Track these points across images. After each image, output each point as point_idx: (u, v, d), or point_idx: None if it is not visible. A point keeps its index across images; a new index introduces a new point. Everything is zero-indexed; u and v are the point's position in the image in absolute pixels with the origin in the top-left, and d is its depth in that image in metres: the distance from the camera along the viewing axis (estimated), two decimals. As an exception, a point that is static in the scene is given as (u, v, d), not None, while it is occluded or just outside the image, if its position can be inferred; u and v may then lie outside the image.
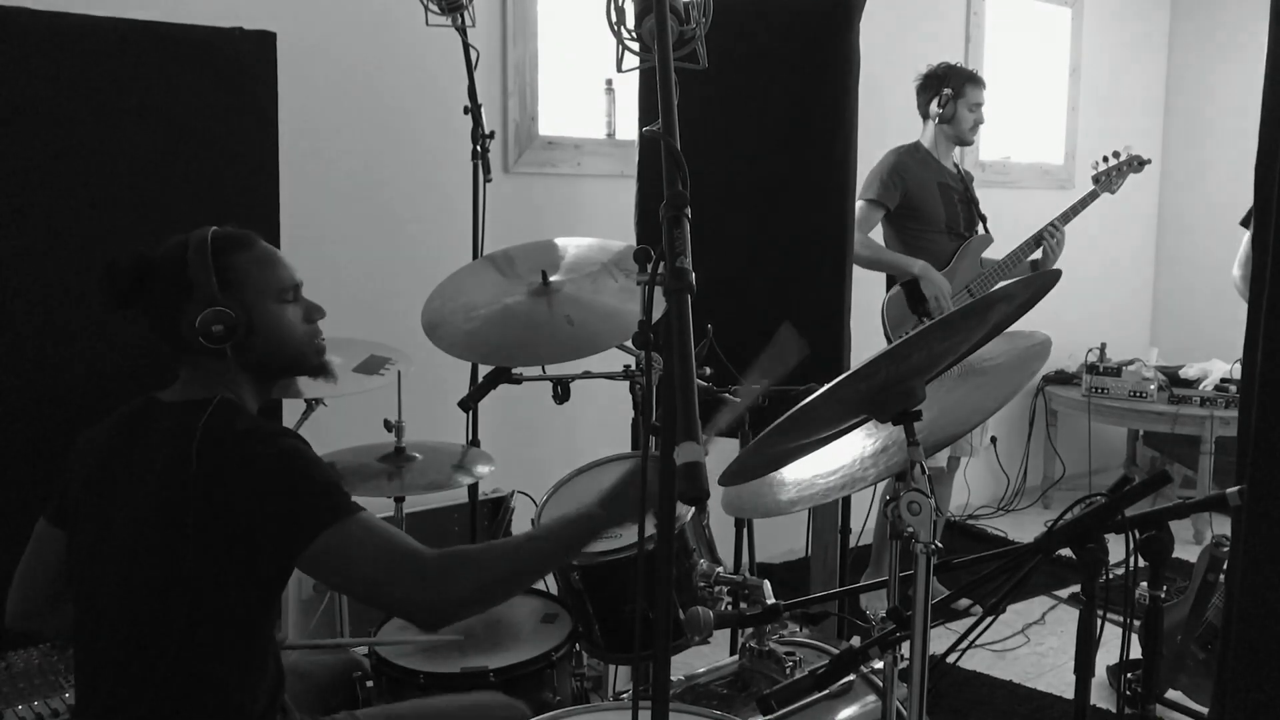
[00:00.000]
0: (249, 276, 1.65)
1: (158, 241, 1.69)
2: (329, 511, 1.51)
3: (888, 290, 3.83)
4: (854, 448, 1.67)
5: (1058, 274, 1.42)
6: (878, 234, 3.85)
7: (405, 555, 1.52)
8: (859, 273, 3.26)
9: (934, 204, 3.83)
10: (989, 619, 1.55)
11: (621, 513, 1.61)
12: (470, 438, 2.82)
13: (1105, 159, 4.05)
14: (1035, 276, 1.43)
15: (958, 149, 4.03)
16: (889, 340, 3.72)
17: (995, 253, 3.92)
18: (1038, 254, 3.90)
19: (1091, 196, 3.98)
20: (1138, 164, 4.03)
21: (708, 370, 2.50)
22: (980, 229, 3.94)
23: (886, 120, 3.94)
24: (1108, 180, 4.03)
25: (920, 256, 3.76)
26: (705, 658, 2.14)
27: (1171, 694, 3.05)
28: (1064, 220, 3.91)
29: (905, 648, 1.42)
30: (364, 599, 1.55)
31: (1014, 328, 1.55)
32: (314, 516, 1.50)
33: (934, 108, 3.87)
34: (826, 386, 1.33)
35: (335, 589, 1.52)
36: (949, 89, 3.84)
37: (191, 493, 1.51)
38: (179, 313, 1.60)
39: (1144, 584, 1.62)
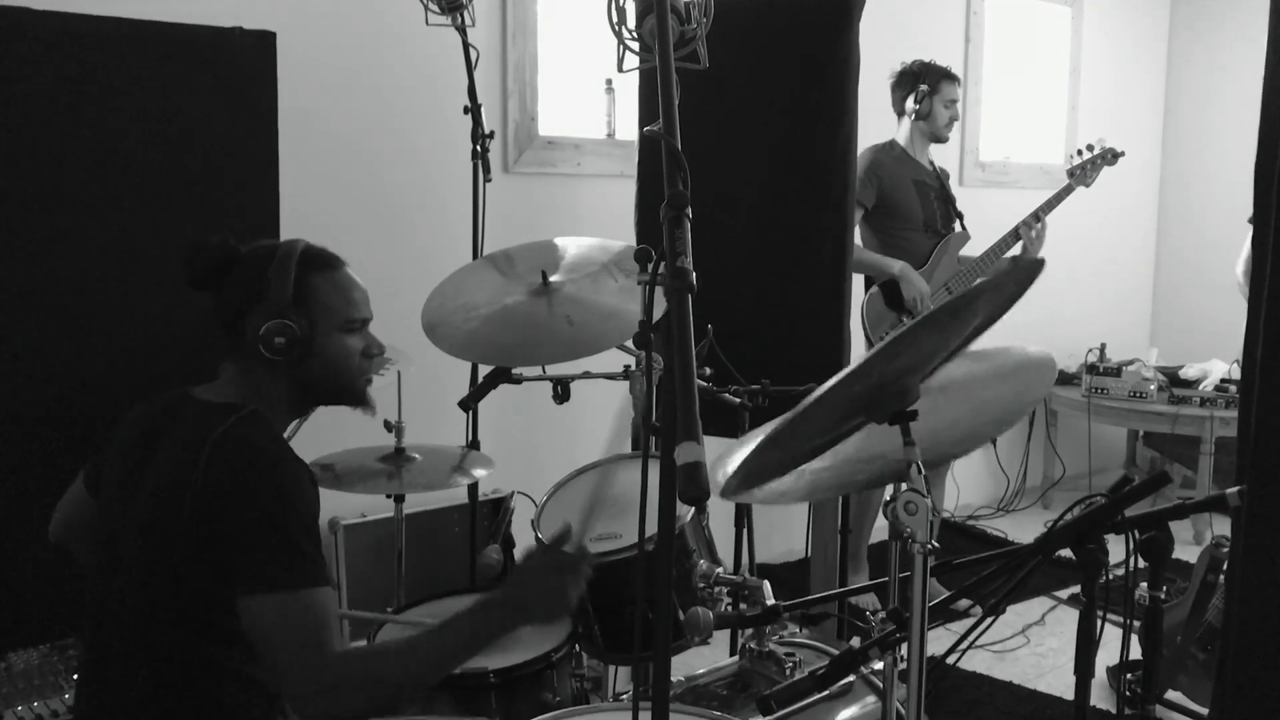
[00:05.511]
0: (324, 298, 1.66)
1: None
2: (283, 574, 1.48)
3: (866, 290, 3.81)
4: (845, 449, 1.65)
5: (1041, 263, 1.39)
6: (855, 234, 3.83)
7: (316, 653, 1.47)
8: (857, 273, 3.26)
9: (910, 202, 3.80)
10: (989, 620, 1.55)
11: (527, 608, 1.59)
12: (470, 438, 2.82)
13: (1080, 152, 4.01)
14: (1017, 269, 1.39)
15: (933, 146, 3.97)
16: (868, 340, 3.71)
17: (973, 250, 3.90)
18: (1016, 249, 3.87)
19: (1067, 191, 3.94)
20: (1111, 156, 3.98)
21: (708, 370, 2.50)
22: (957, 226, 3.91)
23: (887, 120, 3.93)
24: (1082, 174, 3.98)
25: (898, 255, 3.73)
26: (705, 658, 2.14)
27: (1171, 694, 3.04)
28: (1045, 211, 3.86)
29: (905, 648, 1.42)
30: (261, 664, 1.53)
31: (1020, 353, 1.53)
32: (265, 574, 1.47)
33: (910, 104, 3.84)
34: (823, 388, 1.33)
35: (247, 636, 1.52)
36: (925, 85, 3.81)
37: (190, 496, 1.51)
38: (247, 313, 1.61)
39: (1144, 584, 1.62)
